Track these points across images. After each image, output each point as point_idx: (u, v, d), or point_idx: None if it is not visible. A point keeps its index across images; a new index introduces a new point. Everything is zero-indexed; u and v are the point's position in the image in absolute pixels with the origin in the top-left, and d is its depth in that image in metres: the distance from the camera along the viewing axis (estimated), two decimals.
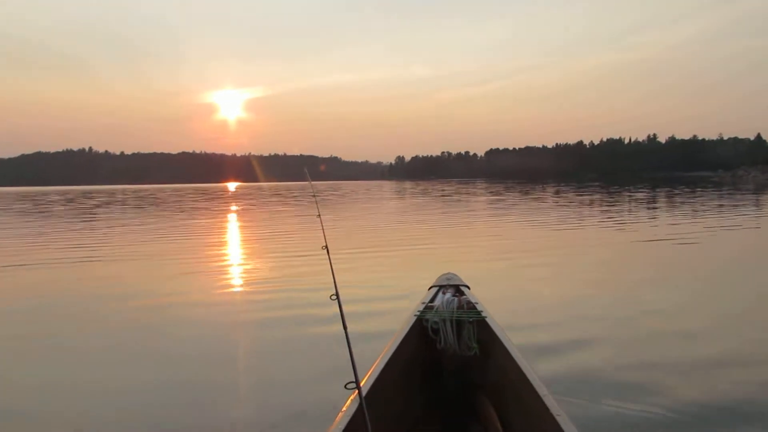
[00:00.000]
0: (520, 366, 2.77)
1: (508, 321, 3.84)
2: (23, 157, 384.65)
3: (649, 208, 22.58)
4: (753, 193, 35.29)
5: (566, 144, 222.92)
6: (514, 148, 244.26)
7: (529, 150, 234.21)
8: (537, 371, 2.70)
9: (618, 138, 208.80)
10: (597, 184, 67.95)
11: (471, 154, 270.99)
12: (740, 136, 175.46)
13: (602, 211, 21.32)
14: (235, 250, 12.78)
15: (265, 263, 10.34)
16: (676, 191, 38.53)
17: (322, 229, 3.65)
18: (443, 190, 56.71)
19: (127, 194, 66.58)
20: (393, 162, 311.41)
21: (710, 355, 4.59)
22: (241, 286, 8.22)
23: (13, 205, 39.48)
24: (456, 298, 3.62)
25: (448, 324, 3.42)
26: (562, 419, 2.19)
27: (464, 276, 4.19)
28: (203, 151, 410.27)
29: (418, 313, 3.54)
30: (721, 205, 23.19)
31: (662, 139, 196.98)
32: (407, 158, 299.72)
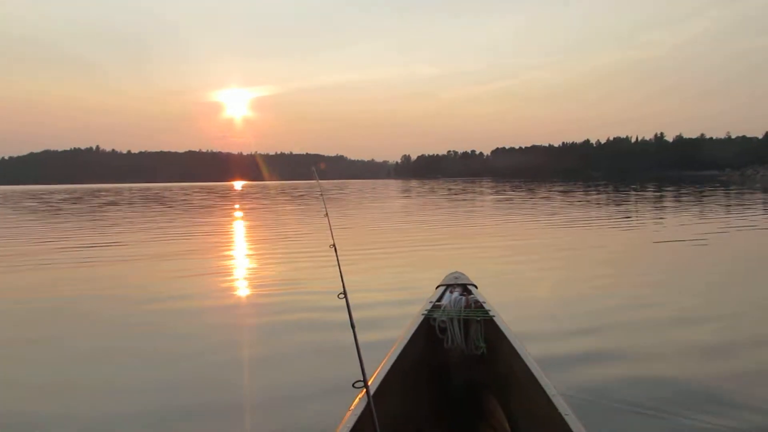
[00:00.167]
0: (528, 365, 2.77)
1: (516, 320, 3.83)
2: (31, 155, 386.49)
3: (657, 208, 22.49)
4: (763, 192, 35.02)
5: (573, 143, 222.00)
6: (520, 147, 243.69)
7: (535, 149, 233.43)
8: (545, 371, 2.69)
9: (625, 137, 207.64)
10: (604, 183, 67.68)
11: (477, 152, 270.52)
12: (748, 135, 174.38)
13: (610, 211, 21.21)
14: (243, 249, 12.82)
15: (273, 261, 10.37)
16: (685, 191, 38.32)
17: (330, 227, 3.65)
18: (449, 189, 56.64)
19: (134, 193, 66.77)
20: (399, 161, 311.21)
21: (723, 357, 4.59)
22: (249, 284, 8.24)
23: (22, 204, 39.67)
24: (463, 297, 3.62)
25: (456, 323, 3.42)
26: (571, 419, 2.18)
27: (471, 275, 4.19)
28: (210, 150, 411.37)
29: (425, 312, 3.54)
30: (730, 205, 23.05)
31: (669, 137, 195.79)
32: (413, 157, 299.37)
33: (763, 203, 24.40)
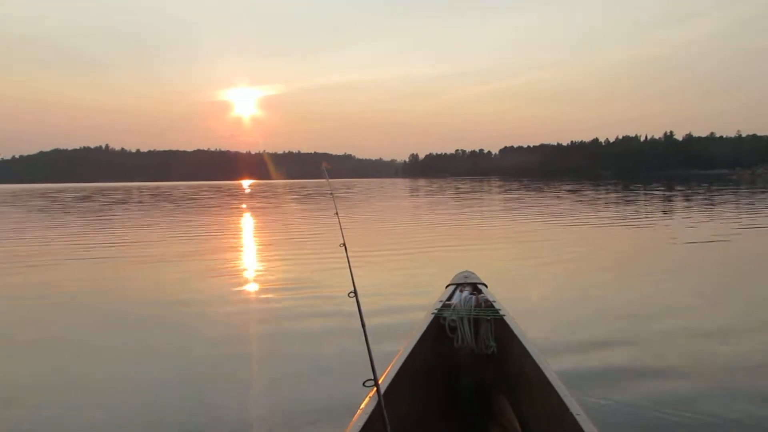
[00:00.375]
0: (539, 364, 2.75)
1: (527, 320, 3.81)
2: (41, 154, 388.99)
3: (668, 207, 22.35)
4: None
5: (581, 141, 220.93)
6: (529, 146, 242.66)
7: (543, 147, 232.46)
8: (556, 370, 2.68)
9: (634, 135, 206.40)
10: (613, 182, 67.37)
11: (485, 151, 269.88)
12: (759, 134, 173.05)
13: (621, 210, 21.09)
14: (254, 248, 12.86)
15: (283, 260, 10.38)
16: (695, 190, 38.05)
17: (340, 226, 3.65)
18: (458, 188, 56.54)
19: (142, 192, 67.06)
20: (407, 160, 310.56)
21: (736, 356, 4.55)
22: (260, 283, 8.25)
23: (31, 202, 39.92)
24: (473, 297, 3.61)
25: (466, 322, 3.41)
26: (582, 419, 2.17)
27: (481, 274, 4.17)
28: (218, 149, 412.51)
29: (435, 311, 3.53)
30: (743, 204, 22.87)
31: (679, 136, 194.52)
32: (421, 156, 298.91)
33: None
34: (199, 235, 15.45)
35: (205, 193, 59.89)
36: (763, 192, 33.40)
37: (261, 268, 9.65)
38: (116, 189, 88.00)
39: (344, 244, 3.32)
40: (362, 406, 2.28)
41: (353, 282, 2.81)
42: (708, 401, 3.63)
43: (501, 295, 3.79)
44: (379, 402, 2.14)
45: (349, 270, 2.98)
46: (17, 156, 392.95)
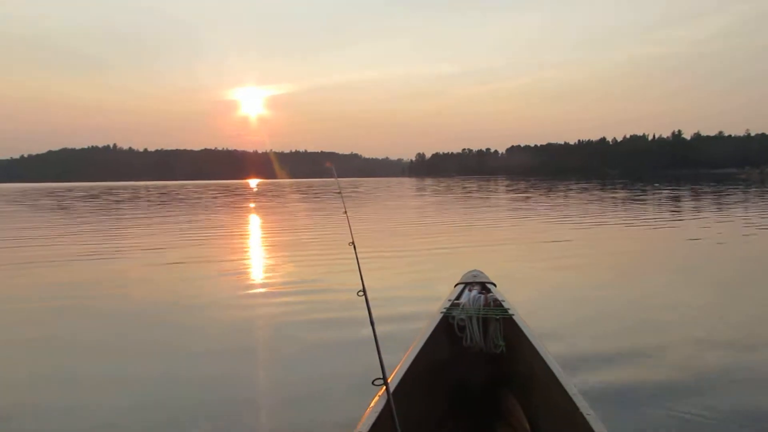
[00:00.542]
0: (548, 364, 2.74)
1: (536, 319, 3.80)
2: (50, 153, 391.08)
3: (678, 206, 22.22)
4: None
5: (588, 140, 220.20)
6: (536, 145, 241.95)
7: (550, 147, 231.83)
8: (565, 370, 2.66)
9: (642, 134, 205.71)
10: (621, 181, 67.11)
11: (492, 150, 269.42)
12: None
13: (630, 209, 20.97)
14: (263, 246, 12.90)
15: (292, 259, 10.39)
16: (705, 189, 37.84)
17: (349, 225, 3.64)
18: (465, 187, 56.46)
19: (150, 191, 67.30)
20: (413, 158, 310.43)
21: (748, 357, 4.52)
22: (269, 281, 8.27)
23: (40, 201, 40.14)
24: (482, 296, 3.60)
25: (475, 321, 3.41)
26: (592, 419, 2.16)
27: (490, 273, 4.16)
28: (225, 148, 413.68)
29: (444, 311, 3.52)
30: (752, 204, 22.73)
31: (687, 135, 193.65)
32: (428, 155, 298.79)
33: None
34: (208, 234, 15.49)
35: (212, 192, 60.06)
36: None
37: (270, 266, 9.67)
38: (124, 188, 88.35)
39: (353, 243, 3.31)
40: (371, 404, 2.28)
41: (362, 281, 2.80)
42: (721, 403, 3.61)
43: (510, 294, 3.78)
44: (388, 401, 2.15)
45: (358, 269, 2.98)
46: (26, 155, 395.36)
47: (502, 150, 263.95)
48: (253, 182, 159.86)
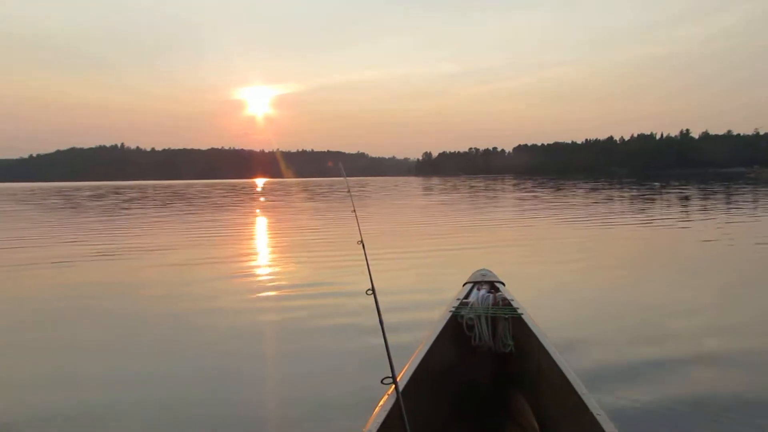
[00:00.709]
0: (558, 363, 2.73)
1: (545, 318, 3.77)
2: (58, 152, 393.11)
3: (688, 206, 22.04)
4: None
5: (596, 139, 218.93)
6: (543, 144, 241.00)
7: (557, 146, 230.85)
8: (575, 369, 2.65)
9: (649, 133, 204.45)
10: (628, 180, 66.81)
11: (498, 150, 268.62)
12: None
13: (640, 208, 20.83)
14: (272, 245, 12.93)
15: (301, 258, 10.40)
16: (714, 188, 37.60)
17: (358, 224, 3.64)
18: (472, 187, 56.35)
19: (157, 190, 67.52)
20: (420, 158, 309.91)
21: (762, 357, 4.49)
22: (278, 280, 8.28)
23: (48, 200, 40.34)
24: (491, 295, 3.60)
25: (483, 320, 3.40)
26: (603, 418, 2.15)
27: (499, 272, 4.15)
28: (232, 147, 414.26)
29: (453, 310, 3.51)
30: (760, 204, 22.57)
31: (695, 134, 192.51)
32: (434, 154, 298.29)
33: None
34: (217, 234, 15.51)
35: (219, 191, 60.20)
36: None
37: (279, 265, 9.68)
38: (132, 187, 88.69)
39: (362, 242, 3.31)
40: (381, 403, 2.28)
41: (371, 279, 2.80)
42: (731, 401, 3.59)
43: (519, 293, 3.77)
44: (397, 399, 2.15)
45: (367, 268, 2.97)
46: (34, 155, 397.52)
47: (508, 149, 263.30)
48: (260, 181, 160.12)
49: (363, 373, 4.13)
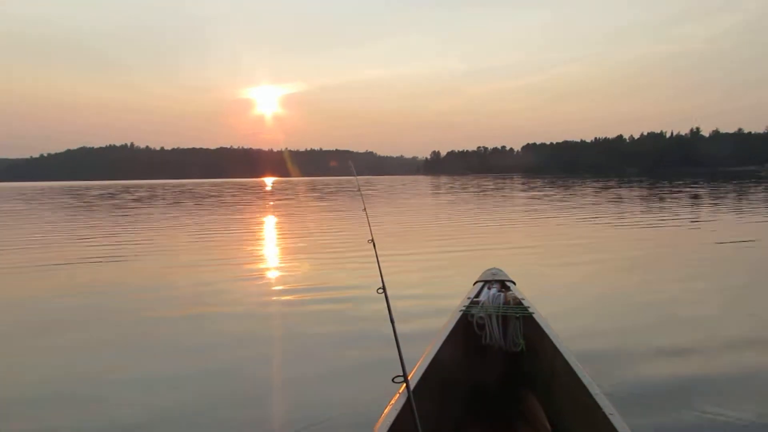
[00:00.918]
0: (570, 363, 2.71)
1: (556, 318, 3.76)
2: (68, 152, 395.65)
3: (701, 205, 21.85)
4: None
5: (605, 138, 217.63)
6: (551, 143, 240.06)
7: (566, 144, 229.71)
8: (587, 369, 2.63)
9: (659, 132, 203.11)
10: (638, 179, 66.44)
11: (507, 148, 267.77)
12: None
13: (652, 208, 20.68)
14: (282, 244, 12.96)
15: (311, 256, 10.42)
16: (726, 187, 37.30)
17: (368, 223, 3.63)
18: (481, 186, 56.22)
19: (167, 189, 67.80)
20: (428, 157, 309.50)
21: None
22: (289, 278, 8.29)
23: (59, 200, 40.59)
24: (502, 294, 3.58)
25: (494, 319, 3.39)
26: (616, 419, 2.13)
27: (510, 271, 4.13)
28: (241, 147, 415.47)
29: (463, 309, 3.51)
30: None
31: (706, 132, 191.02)
32: (443, 153, 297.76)
33: None
34: (229, 233, 15.60)
35: (229, 190, 60.38)
36: None
37: (290, 264, 9.69)
38: (141, 186, 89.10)
39: (372, 241, 3.30)
40: (392, 401, 2.27)
41: (382, 278, 2.79)
42: (747, 403, 3.56)
43: (530, 292, 3.75)
44: (408, 398, 2.14)
45: (377, 266, 2.97)
46: (45, 154, 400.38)
47: (517, 148, 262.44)
48: (269, 180, 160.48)
49: (374, 371, 4.13)
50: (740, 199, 24.32)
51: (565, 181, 62.21)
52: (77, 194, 51.57)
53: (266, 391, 4.05)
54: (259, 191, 56.50)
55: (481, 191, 42.26)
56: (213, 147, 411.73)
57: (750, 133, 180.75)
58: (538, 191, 38.63)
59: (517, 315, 3.36)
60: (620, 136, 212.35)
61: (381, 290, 2.73)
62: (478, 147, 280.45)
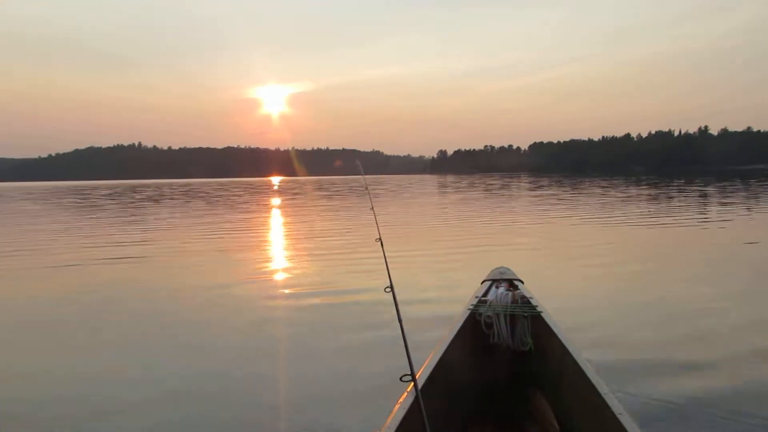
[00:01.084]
0: (578, 362, 2.70)
1: (565, 317, 3.75)
2: (76, 152, 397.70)
3: (710, 204, 21.67)
4: None
5: (613, 137, 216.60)
6: (559, 141, 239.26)
7: (573, 143, 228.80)
8: (595, 368, 2.62)
9: (667, 130, 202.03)
10: (646, 178, 66.13)
11: (514, 147, 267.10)
12: None
13: (661, 207, 20.57)
14: (290, 243, 12.96)
15: (319, 256, 10.42)
16: (736, 186, 37.06)
17: (376, 222, 3.64)
18: (488, 184, 56.10)
19: (174, 189, 68.00)
20: (435, 156, 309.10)
21: None
22: (297, 277, 8.31)
23: (65, 200, 40.78)
24: (510, 293, 3.57)
25: (502, 318, 3.38)
26: (624, 418, 2.12)
27: (518, 270, 4.12)
28: (248, 146, 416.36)
29: (471, 307, 3.50)
30: None
31: (714, 131, 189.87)
32: (449, 152, 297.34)
33: None
34: (235, 232, 15.61)
35: (236, 189, 60.52)
36: None
37: (298, 263, 9.70)
38: (148, 186, 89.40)
39: (380, 239, 3.30)
40: (400, 400, 2.28)
41: (390, 277, 2.79)
42: (757, 402, 3.53)
43: (538, 291, 3.74)
44: (416, 397, 2.14)
45: (385, 265, 2.97)
46: (53, 154, 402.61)
47: (524, 147, 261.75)
48: (276, 180, 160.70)
49: (382, 370, 4.12)
50: (749, 198, 24.14)
51: (572, 180, 61.98)
52: (84, 194, 51.79)
53: (274, 390, 4.05)
54: (267, 191, 56.58)
55: (488, 190, 42.16)
56: (220, 146, 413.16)
57: (759, 131, 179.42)
58: (546, 190, 38.51)
59: (525, 314, 3.36)
60: (628, 135, 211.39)
61: (389, 289, 2.73)
62: (485, 146, 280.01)
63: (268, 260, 10.11)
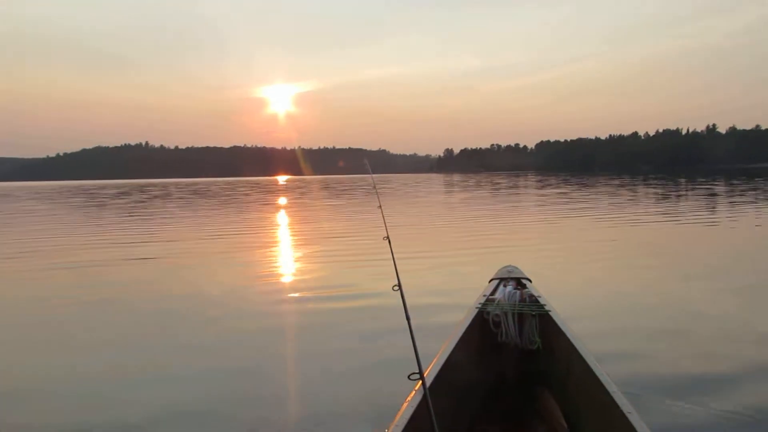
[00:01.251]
0: (587, 361, 2.69)
1: (573, 316, 3.74)
2: (84, 151, 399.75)
3: (718, 203, 21.52)
4: None
5: (620, 135, 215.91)
6: (566, 140, 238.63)
7: (580, 142, 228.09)
8: (604, 367, 2.61)
9: (675, 129, 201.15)
10: (654, 176, 65.85)
11: (521, 146, 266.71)
12: None
13: (669, 206, 20.46)
14: (298, 241, 12.98)
15: (327, 254, 10.43)
16: (746, 184, 36.83)
17: (384, 220, 3.63)
18: (495, 183, 56.01)
19: (181, 188, 68.21)
20: (441, 155, 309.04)
21: None
22: (304, 275, 8.33)
23: (73, 199, 40.98)
24: (518, 291, 3.56)
25: (510, 317, 3.37)
26: (634, 418, 2.11)
27: (526, 269, 4.11)
28: (254, 145, 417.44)
29: (479, 306, 3.49)
30: None
31: (722, 129, 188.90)
32: (456, 151, 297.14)
33: None
34: (243, 231, 15.65)
35: (243, 188, 60.64)
36: None
37: (306, 261, 9.71)
38: (156, 185, 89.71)
39: (388, 237, 3.30)
40: (408, 398, 2.28)
41: (397, 275, 2.79)
42: (763, 402, 3.51)
43: (546, 290, 3.73)
44: (424, 395, 2.15)
45: (393, 263, 2.96)
46: (61, 153, 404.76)
47: (531, 145, 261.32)
48: (282, 179, 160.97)
49: (390, 368, 4.12)
50: (758, 196, 23.98)
51: (579, 179, 61.77)
52: (92, 193, 52.01)
53: (282, 388, 4.06)
54: (274, 189, 56.68)
55: (495, 189, 42.09)
56: (227, 146, 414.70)
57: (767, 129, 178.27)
58: (553, 189, 38.39)
59: (533, 313, 3.35)
60: (635, 134, 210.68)
61: (397, 287, 2.73)
62: (492, 145, 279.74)
63: (274, 258, 10.14)
